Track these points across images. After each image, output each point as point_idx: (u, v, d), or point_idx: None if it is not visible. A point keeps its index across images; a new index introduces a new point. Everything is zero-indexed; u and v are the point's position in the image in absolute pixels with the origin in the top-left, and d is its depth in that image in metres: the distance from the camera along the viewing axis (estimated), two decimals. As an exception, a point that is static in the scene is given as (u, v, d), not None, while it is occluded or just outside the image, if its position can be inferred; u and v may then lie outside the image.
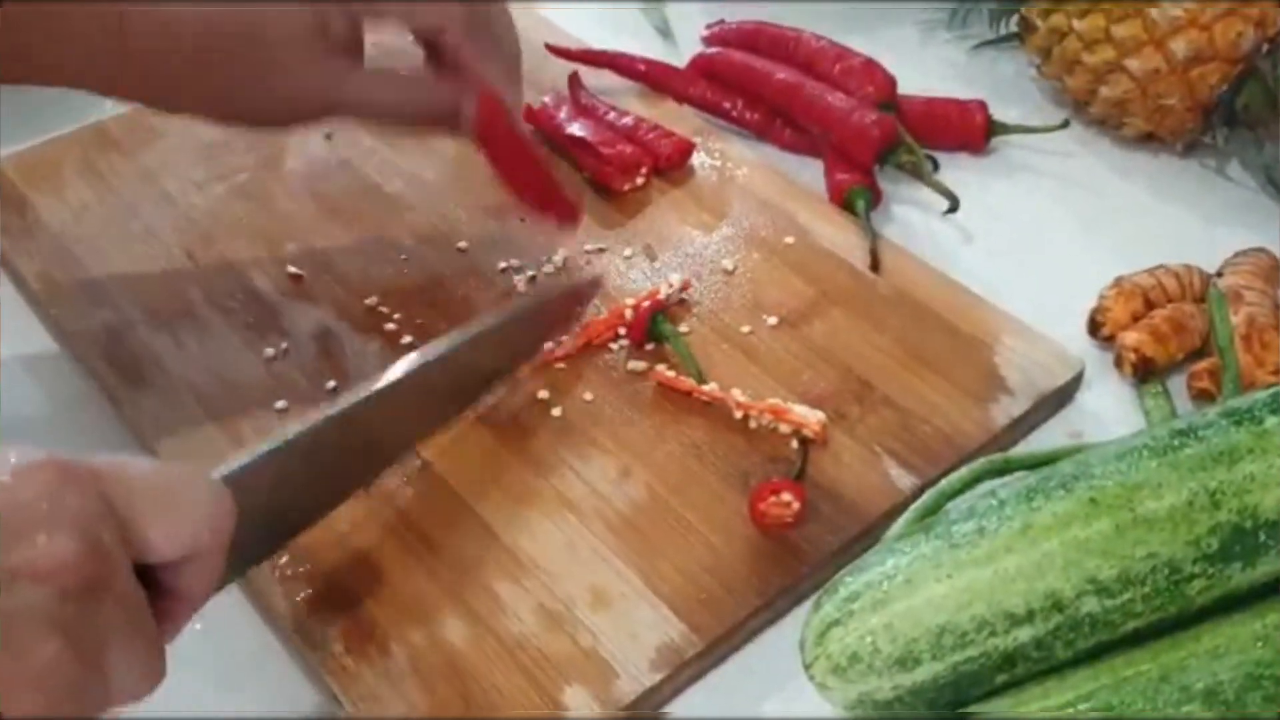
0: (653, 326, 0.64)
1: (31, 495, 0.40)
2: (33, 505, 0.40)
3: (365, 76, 0.63)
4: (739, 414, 0.60)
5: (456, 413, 0.61)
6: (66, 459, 0.42)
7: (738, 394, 0.61)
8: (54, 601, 0.39)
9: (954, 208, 0.74)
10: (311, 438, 0.53)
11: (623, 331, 0.65)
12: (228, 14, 0.60)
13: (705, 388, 0.61)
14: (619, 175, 0.73)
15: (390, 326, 0.66)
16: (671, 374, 0.62)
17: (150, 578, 0.43)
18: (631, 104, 0.80)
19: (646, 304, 0.65)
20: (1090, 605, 0.43)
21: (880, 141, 0.74)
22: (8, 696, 0.39)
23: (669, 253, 0.70)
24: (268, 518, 0.51)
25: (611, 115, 0.77)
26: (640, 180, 0.74)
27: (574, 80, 0.80)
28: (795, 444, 0.59)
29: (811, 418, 0.60)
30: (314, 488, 0.55)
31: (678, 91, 0.81)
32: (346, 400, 0.54)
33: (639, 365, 0.63)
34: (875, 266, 0.68)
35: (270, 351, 0.65)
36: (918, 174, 0.76)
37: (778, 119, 0.80)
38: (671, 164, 0.75)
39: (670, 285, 0.66)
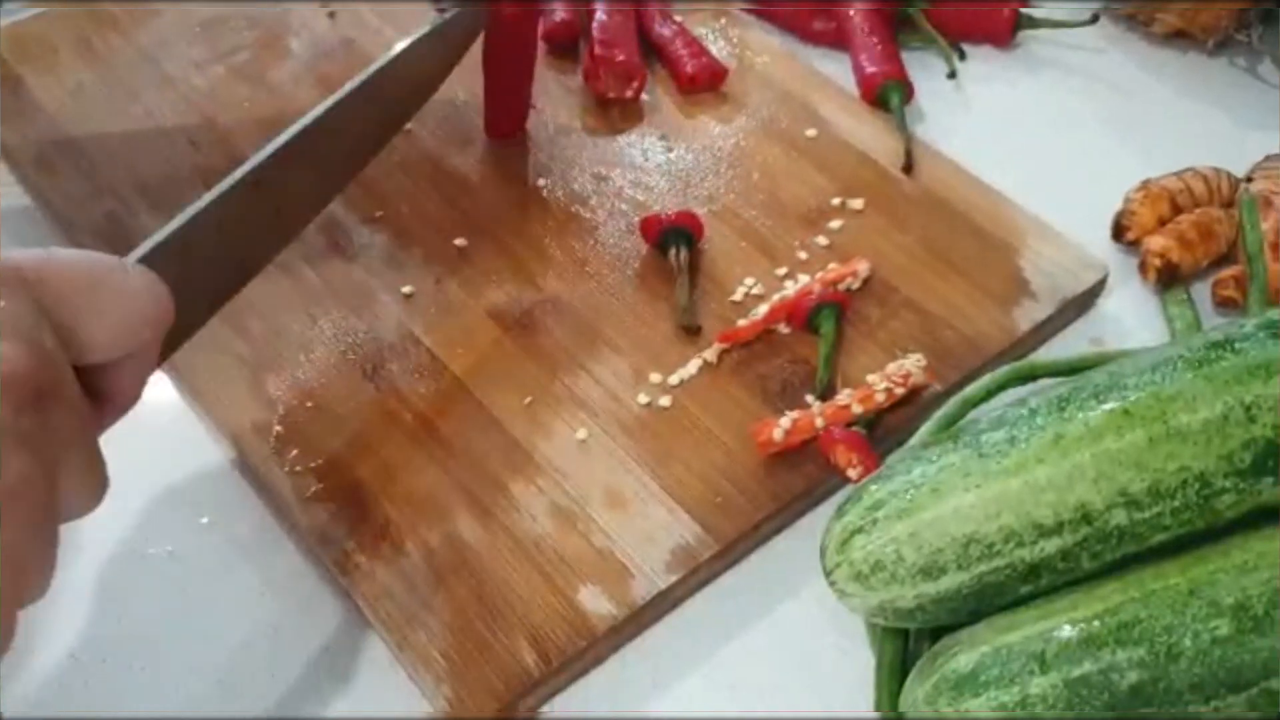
0: (815, 318, 0.58)
1: None
2: None
3: None
4: (785, 328, 0.59)
5: (373, 150, 0.60)
6: None
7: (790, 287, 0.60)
8: (11, 414, 0.36)
9: (953, 74, 0.74)
10: (222, 204, 0.50)
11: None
12: None
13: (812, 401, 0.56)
14: (610, 82, 0.70)
15: (395, 211, 0.65)
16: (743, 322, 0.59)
17: (80, 380, 0.39)
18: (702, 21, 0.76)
19: (816, 291, 0.59)
20: (1119, 518, 0.42)
21: None
22: None
23: (683, 144, 0.68)
24: (190, 293, 0.46)
25: (658, 22, 0.74)
26: (629, 94, 0.70)
27: None
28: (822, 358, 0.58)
29: (861, 266, 0.60)
30: (235, 254, 0.52)
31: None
32: (253, 160, 0.51)
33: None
34: (909, 168, 0.66)
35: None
36: (921, 28, 0.76)
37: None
38: (695, 85, 0.71)
39: (855, 275, 0.60)
